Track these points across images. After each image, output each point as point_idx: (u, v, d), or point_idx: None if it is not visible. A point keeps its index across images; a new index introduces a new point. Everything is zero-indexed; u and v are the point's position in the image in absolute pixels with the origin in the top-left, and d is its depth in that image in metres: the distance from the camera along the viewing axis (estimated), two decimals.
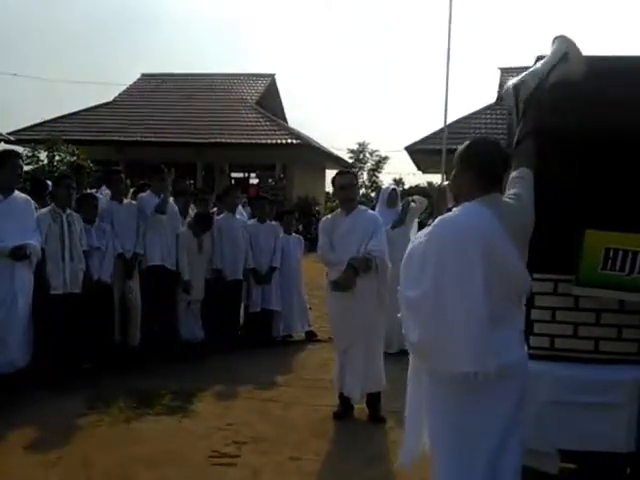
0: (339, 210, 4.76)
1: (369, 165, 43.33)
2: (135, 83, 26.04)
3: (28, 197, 5.27)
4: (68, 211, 5.43)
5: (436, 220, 2.38)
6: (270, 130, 21.78)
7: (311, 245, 11.86)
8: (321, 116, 74.74)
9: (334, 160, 25.92)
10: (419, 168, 24.02)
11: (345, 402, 4.62)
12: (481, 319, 2.20)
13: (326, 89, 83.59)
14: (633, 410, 2.83)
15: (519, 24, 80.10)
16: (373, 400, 4.60)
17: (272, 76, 26.59)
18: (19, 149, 12.95)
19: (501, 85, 21.32)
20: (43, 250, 5.11)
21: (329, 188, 22.61)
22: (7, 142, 18.72)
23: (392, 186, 7.57)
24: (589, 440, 2.83)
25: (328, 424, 4.48)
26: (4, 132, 19.70)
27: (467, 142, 2.48)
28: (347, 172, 5.14)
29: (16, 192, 5.12)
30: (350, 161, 35.91)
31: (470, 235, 2.25)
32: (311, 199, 22.98)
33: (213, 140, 20.85)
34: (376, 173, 43.32)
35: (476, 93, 72.99)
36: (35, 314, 5.02)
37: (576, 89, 2.80)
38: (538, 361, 2.80)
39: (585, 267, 2.81)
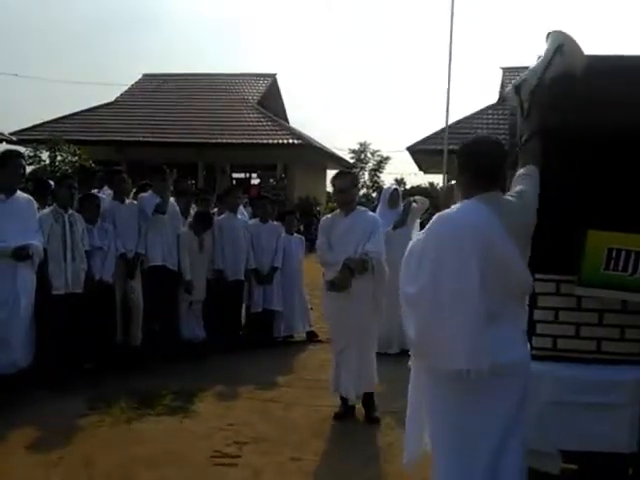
0: (339, 210, 4.75)
1: (370, 165, 43.38)
2: (137, 83, 26.06)
3: (30, 197, 5.26)
4: (70, 211, 5.43)
5: (434, 217, 2.38)
6: (271, 130, 21.80)
7: (312, 245, 11.82)
8: (322, 116, 74.77)
9: (335, 160, 25.93)
10: (420, 168, 24.03)
11: (346, 403, 4.62)
12: (477, 316, 2.20)
13: (327, 89, 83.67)
14: (635, 410, 2.82)
15: (521, 24, 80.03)
16: (367, 400, 4.61)
17: (273, 76, 26.58)
18: (21, 149, 12.96)
19: (503, 85, 21.32)
20: (45, 250, 5.11)
21: (330, 188, 22.53)
22: (9, 142, 18.76)
23: (394, 186, 7.57)
24: (591, 440, 2.82)
25: (329, 425, 4.47)
26: (5, 132, 19.73)
27: (463, 142, 2.47)
28: (347, 173, 5.12)
29: (18, 192, 5.11)
30: (351, 161, 35.90)
31: (467, 232, 2.25)
32: (312, 199, 22.97)
33: (214, 140, 20.86)
34: (377, 173, 43.37)
35: (478, 93, 73.00)
36: (37, 314, 5.02)
37: (577, 88, 2.79)
38: (541, 361, 2.79)
39: (588, 267, 2.81)
